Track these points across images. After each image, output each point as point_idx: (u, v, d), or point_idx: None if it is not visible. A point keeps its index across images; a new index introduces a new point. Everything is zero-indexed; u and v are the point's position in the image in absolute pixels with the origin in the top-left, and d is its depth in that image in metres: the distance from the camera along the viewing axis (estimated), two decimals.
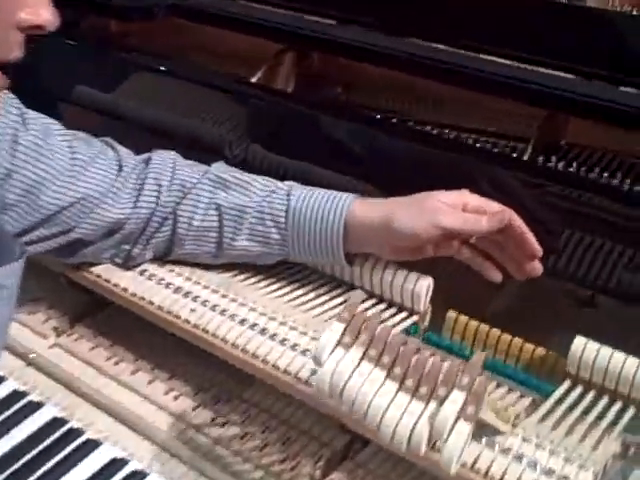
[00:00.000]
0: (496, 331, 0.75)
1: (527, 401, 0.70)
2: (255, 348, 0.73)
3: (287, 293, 0.81)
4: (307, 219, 0.76)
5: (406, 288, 0.77)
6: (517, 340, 0.74)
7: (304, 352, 0.72)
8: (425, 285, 0.76)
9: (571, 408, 0.68)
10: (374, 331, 0.64)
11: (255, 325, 0.75)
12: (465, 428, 0.59)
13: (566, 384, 0.70)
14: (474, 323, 0.76)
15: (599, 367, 0.68)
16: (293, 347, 0.73)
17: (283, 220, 0.78)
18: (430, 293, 0.77)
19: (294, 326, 0.75)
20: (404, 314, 0.79)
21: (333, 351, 0.64)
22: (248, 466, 0.75)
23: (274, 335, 0.74)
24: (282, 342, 0.73)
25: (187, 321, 0.77)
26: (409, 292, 0.77)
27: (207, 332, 0.76)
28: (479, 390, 0.60)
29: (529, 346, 0.73)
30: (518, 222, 0.70)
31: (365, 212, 0.75)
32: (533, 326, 0.77)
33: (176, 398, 0.81)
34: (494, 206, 0.72)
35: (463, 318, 0.77)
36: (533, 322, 0.79)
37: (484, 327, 0.76)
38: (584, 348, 0.69)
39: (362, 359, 0.64)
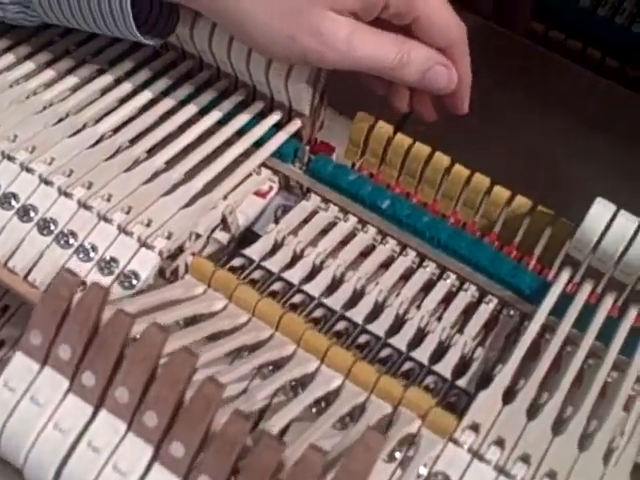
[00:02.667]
0: (444, 158, 0.40)
1: (489, 309, 0.37)
2: None
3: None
4: None
5: (275, 67, 0.40)
6: (481, 178, 0.39)
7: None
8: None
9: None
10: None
11: None
12: None
13: (565, 276, 0.37)
14: (403, 139, 0.40)
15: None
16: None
17: None
18: (322, 81, 0.40)
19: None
20: (274, 117, 0.42)
21: None
22: None
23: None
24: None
25: None
26: (282, 75, 0.40)
27: None
28: None
29: (501, 191, 0.39)
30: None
31: None
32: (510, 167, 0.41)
33: None
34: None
35: (384, 127, 0.40)
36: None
37: (422, 148, 0.40)
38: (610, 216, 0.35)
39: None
